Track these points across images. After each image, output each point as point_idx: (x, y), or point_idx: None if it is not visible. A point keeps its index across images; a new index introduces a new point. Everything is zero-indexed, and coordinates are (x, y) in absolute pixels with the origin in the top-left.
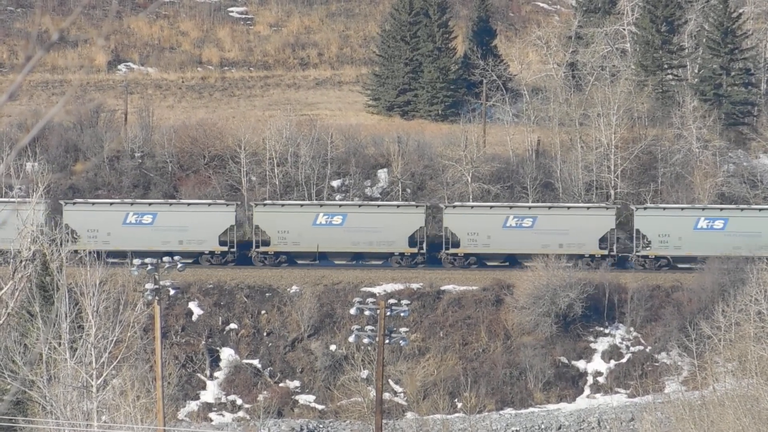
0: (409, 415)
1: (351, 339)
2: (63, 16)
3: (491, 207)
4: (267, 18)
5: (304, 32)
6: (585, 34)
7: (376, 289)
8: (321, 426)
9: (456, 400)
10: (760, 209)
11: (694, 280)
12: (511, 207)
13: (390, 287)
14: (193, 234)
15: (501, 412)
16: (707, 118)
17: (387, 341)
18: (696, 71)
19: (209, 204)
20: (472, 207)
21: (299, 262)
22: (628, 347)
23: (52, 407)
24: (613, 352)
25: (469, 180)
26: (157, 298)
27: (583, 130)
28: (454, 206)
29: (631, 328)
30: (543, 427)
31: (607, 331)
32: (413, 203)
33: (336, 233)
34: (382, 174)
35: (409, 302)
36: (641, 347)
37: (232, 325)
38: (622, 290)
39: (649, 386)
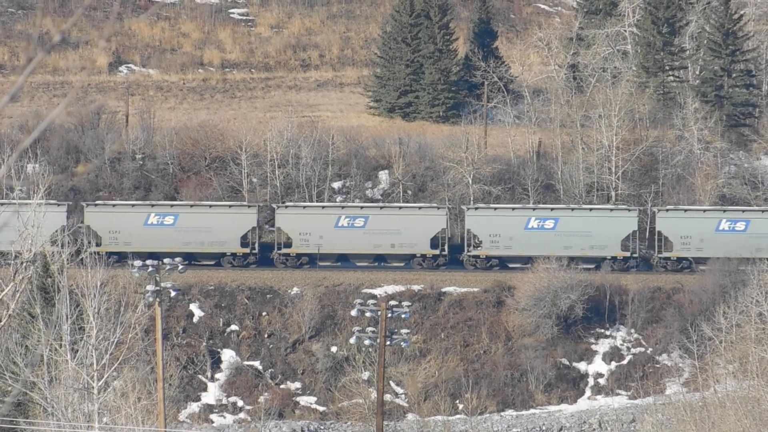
0: (410, 416)
1: (352, 340)
2: (64, 17)
3: (323, 207)
4: (268, 19)
5: (305, 34)
6: (586, 35)
7: (377, 291)
8: (322, 427)
9: (457, 401)
10: (591, 209)
11: (695, 281)
12: (342, 207)
13: (391, 289)
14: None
15: (502, 413)
16: (708, 120)
17: (388, 343)
18: (697, 73)
19: (38, 204)
20: (305, 207)
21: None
22: (629, 349)
23: (53, 409)
24: (614, 354)
25: (470, 181)
26: (158, 299)
27: (584, 132)
28: (286, 206)
29: (632, 330)
30: (544, 428)
31: (608, 332)
32: (245, 203)
33: (168, 233)
34: (383, 175)
35: (410, 304)
36: (642, 349)
37: (233, 327)
38: (623, 292)
39: (650, 388)
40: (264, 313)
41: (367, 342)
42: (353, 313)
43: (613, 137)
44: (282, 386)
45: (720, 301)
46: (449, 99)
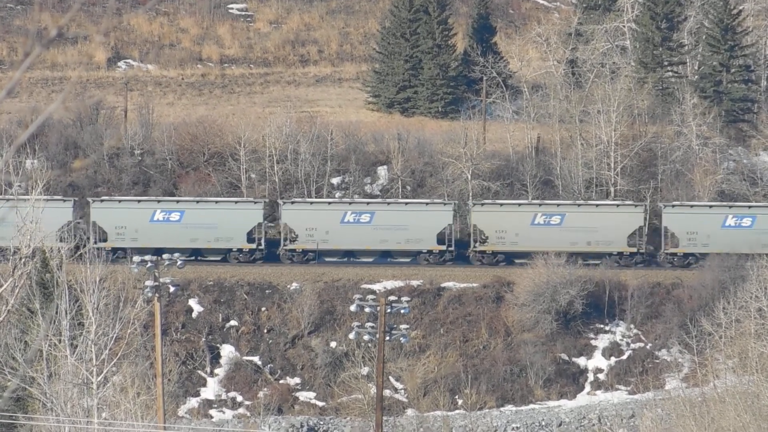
0: (409, 411)
1: (351, 336)
2: (62, 12)
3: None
4: (267, 15)
5: (304, 29)
6: (585, 31)
7: (377, 286)
8: (321, 423)
9: (456, 396)
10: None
11: (695, 277)
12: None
13: (390, 284)
14: None
15: (501, 408)
16: (707, 115)
17: (387, 338)
18: (696, 68)
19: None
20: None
21: None
22: (628, 344)
23: (52, 404)
24: (613, 349)
25: (469, 177)
26: (157, 295)
27: (583, 127)
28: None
29: (632, 325)
30: (543, 423)
31: (607, 328)
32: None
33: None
34: (382, 171)
35: (409, 299)
36: (642, 344)
37: (233, 322)
38: (623, 287)
39: (650, 383)
40: (263, 309)
41: (366, 337)
42: (352, 308)
43: (612, 133)
44: (281, 381)
45: (719, 296)
46: (448, 94)
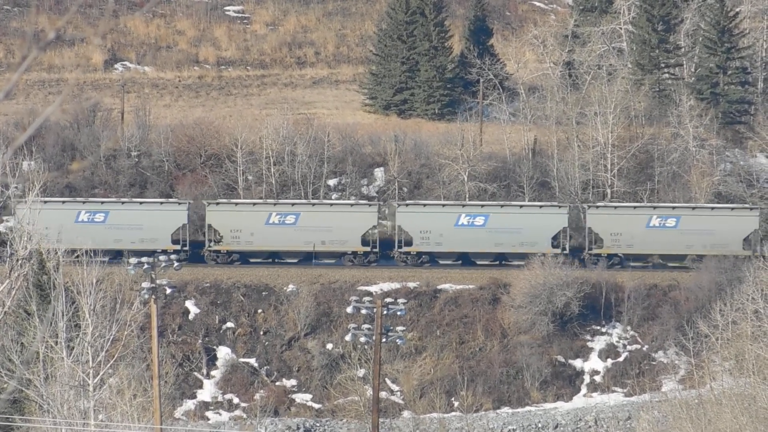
0: (405, 413)
1: (348, 338)
2: (59, 14)
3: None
4: (264, 17)
5: (300, 31)
6: (582, 33)
7: (373, 288)
8: (318, 425)
9: (453, 399)
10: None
11: (691, 278)
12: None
13: (387, 286)
14: None
15: (498, 411)
16: (704, 117)
17: (384, 340)
18: (693, 70)
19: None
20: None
21: None
22: (625, 346)
23: (49, 406)
24: (610, 351)
25: (466, 179)
26: (153, 296)
27: (579, 129)
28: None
29: (628, 327)
30: (540, 426)
31: (604, 329)
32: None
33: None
34: (379, 173)
35: (405, 301)
36: (638, 346)
37: (229, 324)
38: (619, 289)
39: (646, 385)
40: (260, 311)
41: (362, 339)
42: (349, 310)
43: (609, 134)
44: (278, 383)
45: (716, 298)
46: (445, 96)
